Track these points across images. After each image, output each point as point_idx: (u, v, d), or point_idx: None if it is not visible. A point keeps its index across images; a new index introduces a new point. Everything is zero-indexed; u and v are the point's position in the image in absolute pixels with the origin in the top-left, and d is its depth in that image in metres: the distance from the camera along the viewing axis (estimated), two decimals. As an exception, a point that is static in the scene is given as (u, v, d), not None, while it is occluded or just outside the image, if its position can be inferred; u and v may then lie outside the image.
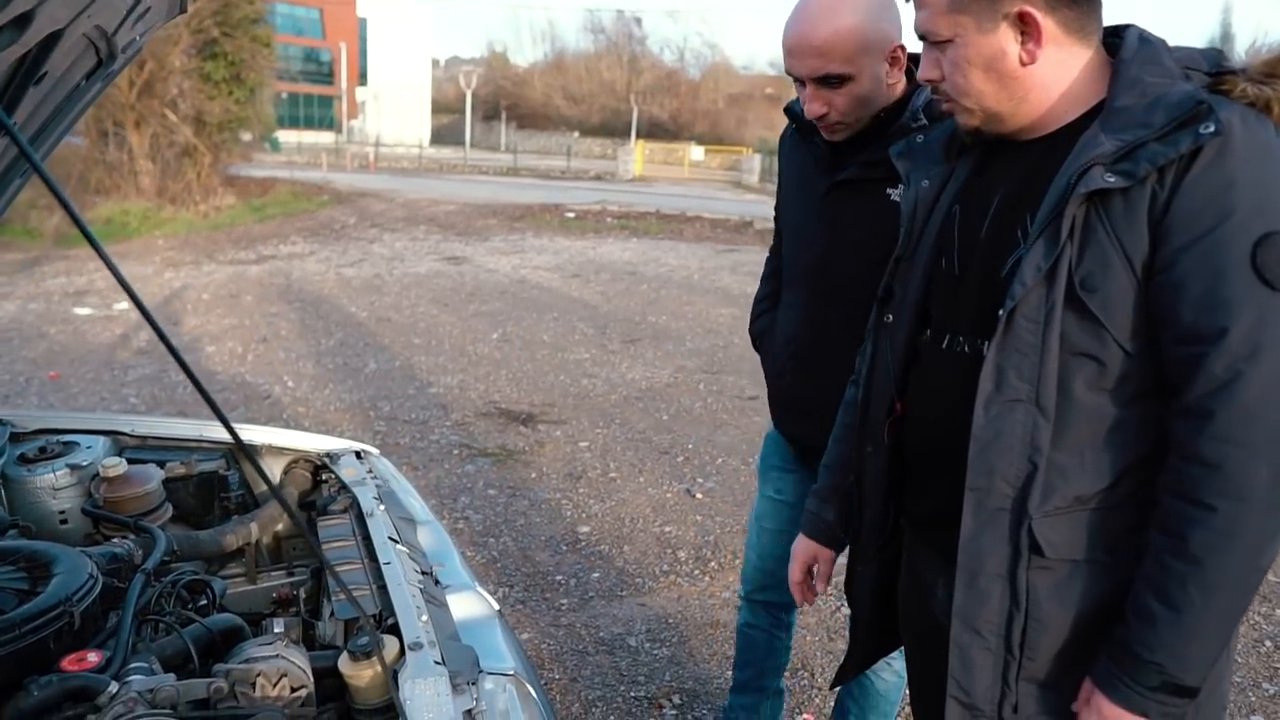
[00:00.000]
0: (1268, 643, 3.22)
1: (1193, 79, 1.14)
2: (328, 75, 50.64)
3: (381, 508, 2.04)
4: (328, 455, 2.30)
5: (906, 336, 1.41)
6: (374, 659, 1.40)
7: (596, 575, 3.58)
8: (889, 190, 1.77)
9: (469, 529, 3.93)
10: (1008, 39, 1.20)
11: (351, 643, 1.44)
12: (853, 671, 1.72)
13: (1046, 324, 1.15)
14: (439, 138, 54.00)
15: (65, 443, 2.13)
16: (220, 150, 18.14)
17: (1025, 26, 1.19)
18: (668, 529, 4.01)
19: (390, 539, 1.88)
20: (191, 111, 17.02)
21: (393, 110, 50.74)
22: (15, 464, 2.02)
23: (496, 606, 1.86)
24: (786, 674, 2.72)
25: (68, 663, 1.36)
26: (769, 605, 2.28)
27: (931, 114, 1.78)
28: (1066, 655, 1.23)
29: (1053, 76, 1.22)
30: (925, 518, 1.44)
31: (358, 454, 2.34)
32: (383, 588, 1.70)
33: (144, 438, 2.30)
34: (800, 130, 1.97)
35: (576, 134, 50.52)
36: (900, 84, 1.82)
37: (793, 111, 1.96)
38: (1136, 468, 1.17)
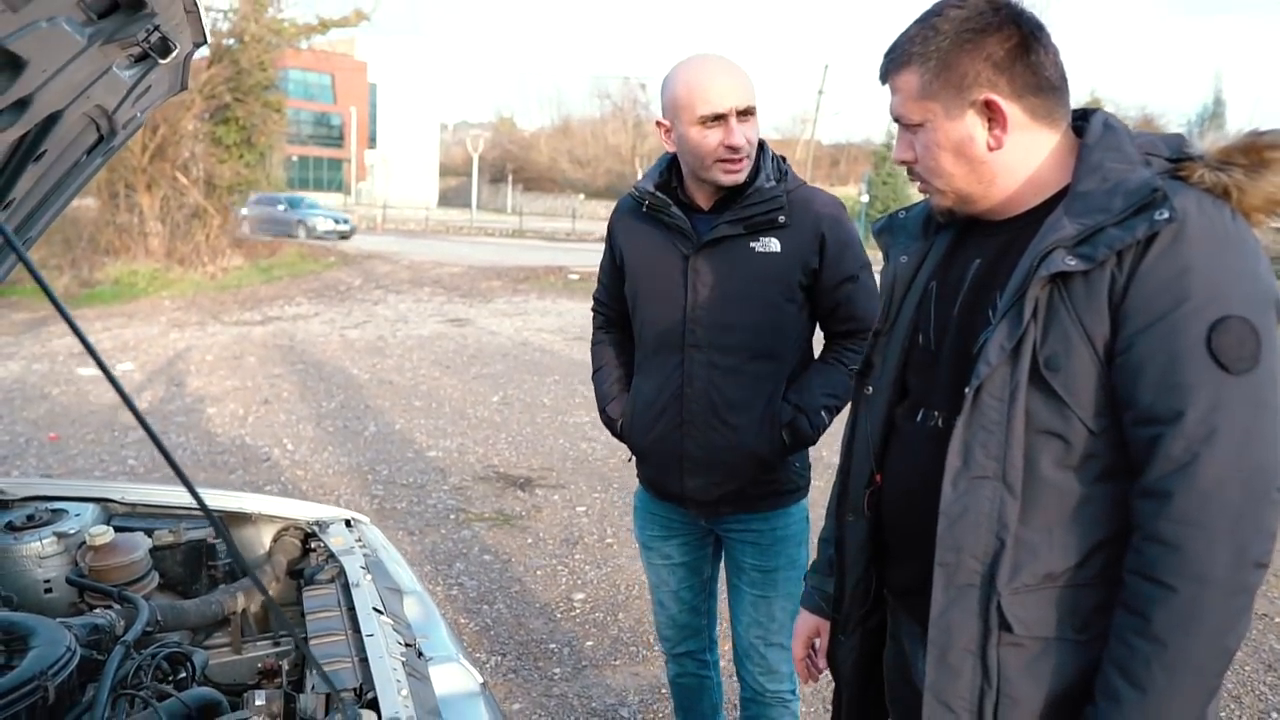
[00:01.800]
0: (1274, 714, 3.16)
1: (1153, 165, 1.17)
2: (338, 138, 51.57)
3: (368, 577, 2.04)
4: (317, 523, 2.30)
5: (885, 409, 1.43)
6: (351, 735, 1.38)
7: (590, 643, 3.54)
8: (752, 244, 2.00)
9: (463, 595, 3.90)
10: (975, 125, 1.24)
11: (330, 716, 1.43)
12: None
13: (1011, 402, 1.17)
14: (446, 200, 54.73)
15: (54, 510, 2.13)
16: (230, 212, 18.40)
17: (991, 114, 1.23)
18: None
19: (375, 610, 1.87)
20: (202, 174, 17.31)
21: (401, 173, 51.53)
22: (2, 532, 2.02)
23: (481, 680, 1.84)
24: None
25: (41, 739, 1.35)
26: (691, 653, 2.37)
27: (777, 175, 2.01)
28: None
29: (1021, 160, 1.25)
30: (905, 588, 1.44)
31: (347, 522, 2.34)
32: (365, 660, 1.69)
33: (134, 505, 2.30)
34: (650, 208, 2.09)
35: (582, 196, 51.16)
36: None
37: (643, 190, 2.09)
38: (1105, 546, 1.17)
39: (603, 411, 2.29)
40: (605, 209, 47.30)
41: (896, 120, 1.32)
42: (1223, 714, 3.18)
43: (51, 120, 1.60)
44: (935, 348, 1.36)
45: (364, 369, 8.88)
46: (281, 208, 25.80)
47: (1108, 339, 1.12)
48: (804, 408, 2.04)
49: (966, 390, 1.20)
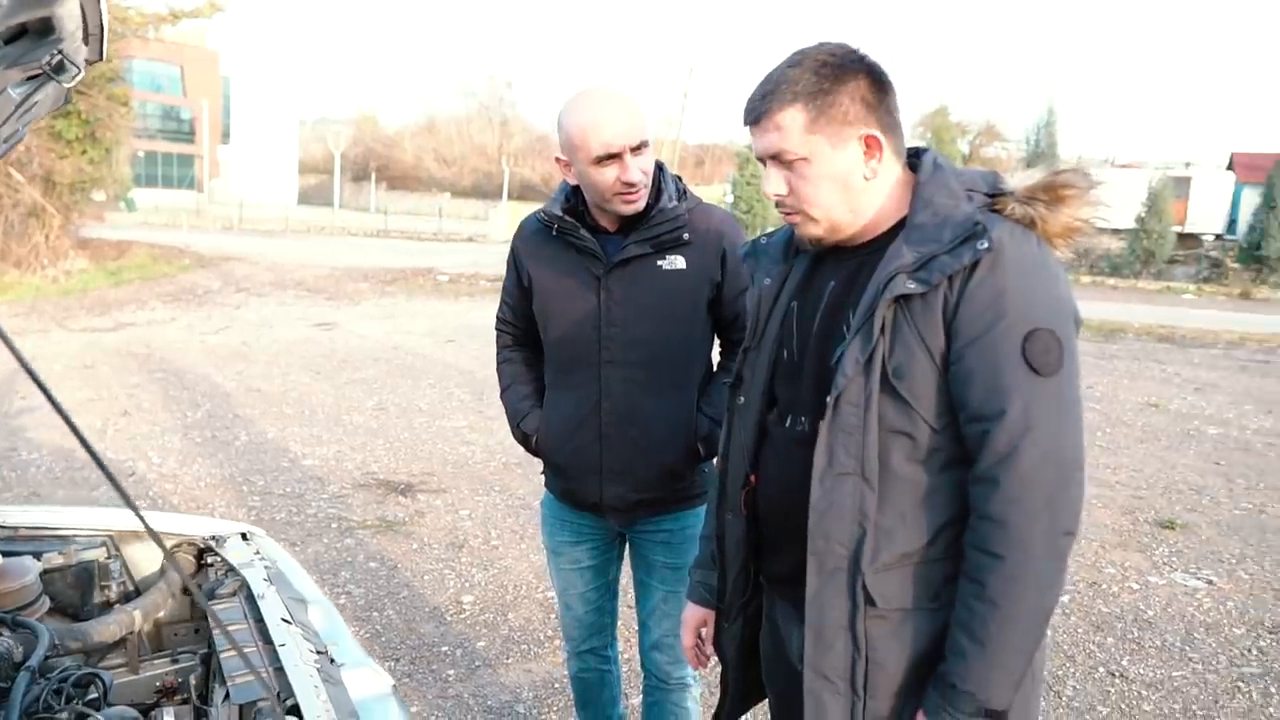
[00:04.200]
0: (1102, 669, 3.54)
1: (974, 199, 1.37)
2: (188, 133, 49.05)
3: (272, 589, 2.06)
4: (213, 538, 2.30)
5: (757, 417, 1.59)
6: (276, 741, 1.44)
7: (482, 644, 3.61)
8: (660, 263, 2.12)
9: (351, 604, 3.90)
10: (856, 158, 1.40)
11: (254, 726, 1.48)
12: (725, 719, 1.85)
13: (866, 407, 1.34)
14: (306, 198, 52.84)
15: (-69, 538, 2.07)
16: (72, 211, 17.32)
17: (869, 147, 1.40)
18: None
19: (283, 620, 1.91)
20: (40, 171, 16.22)
21: (257, 170, 49.43)
22: (-124, 563, 1.95)
23: (391, 681, 1.91)
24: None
25: (-44, 767, 1.35)
26: (594, 650, 2.49)
27: (678, 196, 2.15)
28: (904, 692, 1.39)
29: (880, 191, 1.44)
30: (780, 577, 1.61)
31: (244, 535, 2.35)
32: (279, 669, 1.73)
33: (15, 528, 2.24)
34: (558, 230, 2.17)
35: (448, 195, 50.38)
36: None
37: (552, 215, 2.18)
38: (950, 526, 1.36)
39: (516, 428, 2.33)
40: (472, 208, 46.76)
41: (773, 157, 1.43)
42: (1059, 671, 3.54)
43: (-58, 140, 1.59)
44: (799, 361, 1.51)
45: (229, 376, 8.59)
46: None
47: (943, 350, 1.31)
48: (718, 419, 2.15)
49: (828, 399, 1.36)
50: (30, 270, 15.23)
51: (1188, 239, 30.60)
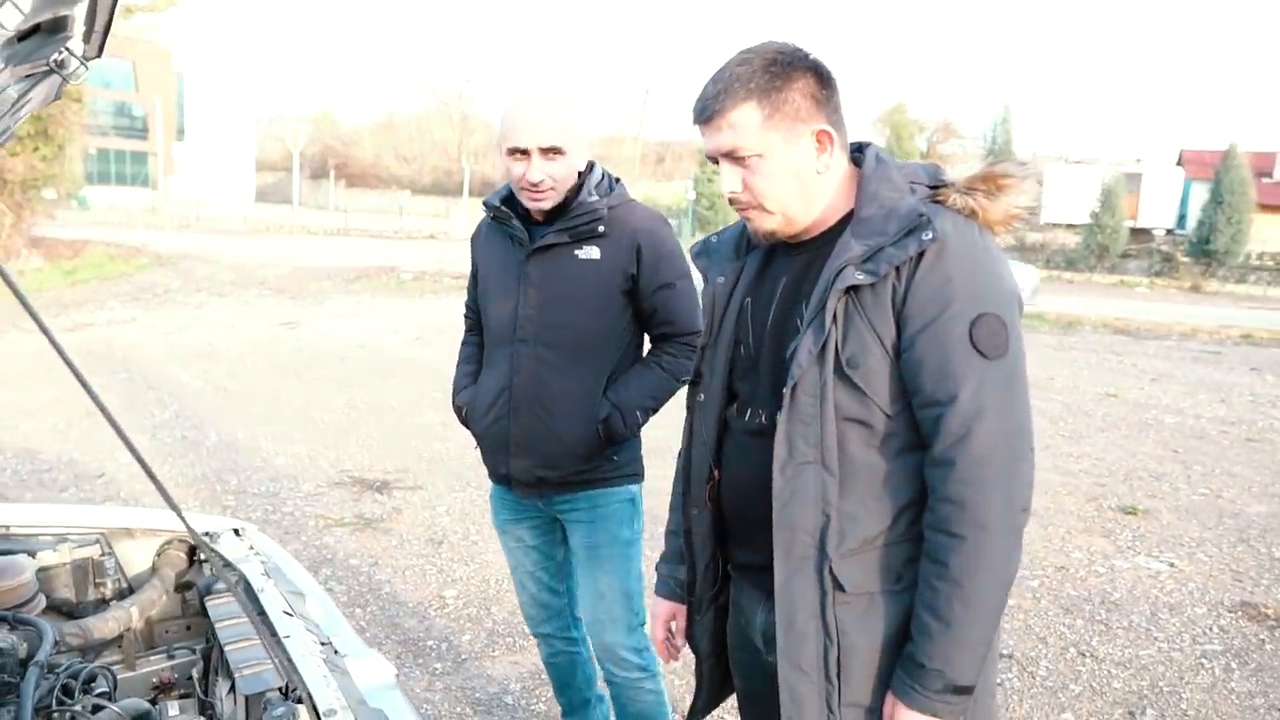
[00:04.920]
0: (1073, 650, 3.65)
1: (917, 192, 1.41)
2: (141, 130, 48.11)
3: (270, 582, 2.07)
4: (206, 534, 2.30)
5: (717, 412, 1.61)
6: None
7: (467, 638, 3.63)
8: (576, 252, 2.23)
9: (334, 600, 3.89)
10: (810, 152, 1.43)
11: (267, 715, 1.50)
12: (702, 709, 1.87)
13: (822, 397, 1.37)
14: (264, 196, 52.12)
15: (-76, 537, 2.05)
16: (24, 209, 16.95)
17: (822, 142, 1.43)
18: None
19: (285, 613, 1.93)
20: (-10, 169, 15.86)
21: (214, 168, 48.66)
22: None
23: (394, 671, 1.94)
24: None
25: (-26, 761, 1.36)
26: (556, 633, 2.57)
27: (601, 191, 2.26)
28: (876, 676, 1.42)
29: (831, 185, 1.47)
30: (747, 565, 1.64)
31: (235, 531, 2.35)
32: (287, 661, 1.75)
33: (7, 527, 2.23)
34: (496, 219, 2.34)
35: (408, 193, 49.96)
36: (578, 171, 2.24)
37: (490, 204, 2.35)
38: (909, 508, 1.40)
39: (453, 401, 2.52)
40: (433, 205, 46.41)
41: (727, 155, 1.44)
42: (1031, 652, 3.65)
43: (-59, 139, 1.58)
44: (755, 355, 1.54)
45: (195, 376, 8.49)
46: None
47: (894, 338, 1.35)
48: (620, 405, 2.25)
49: (785, 390, 1.39)
50: (-18, 270, 14.87)
51: (1140, 234, 31.34)
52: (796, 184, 1.44)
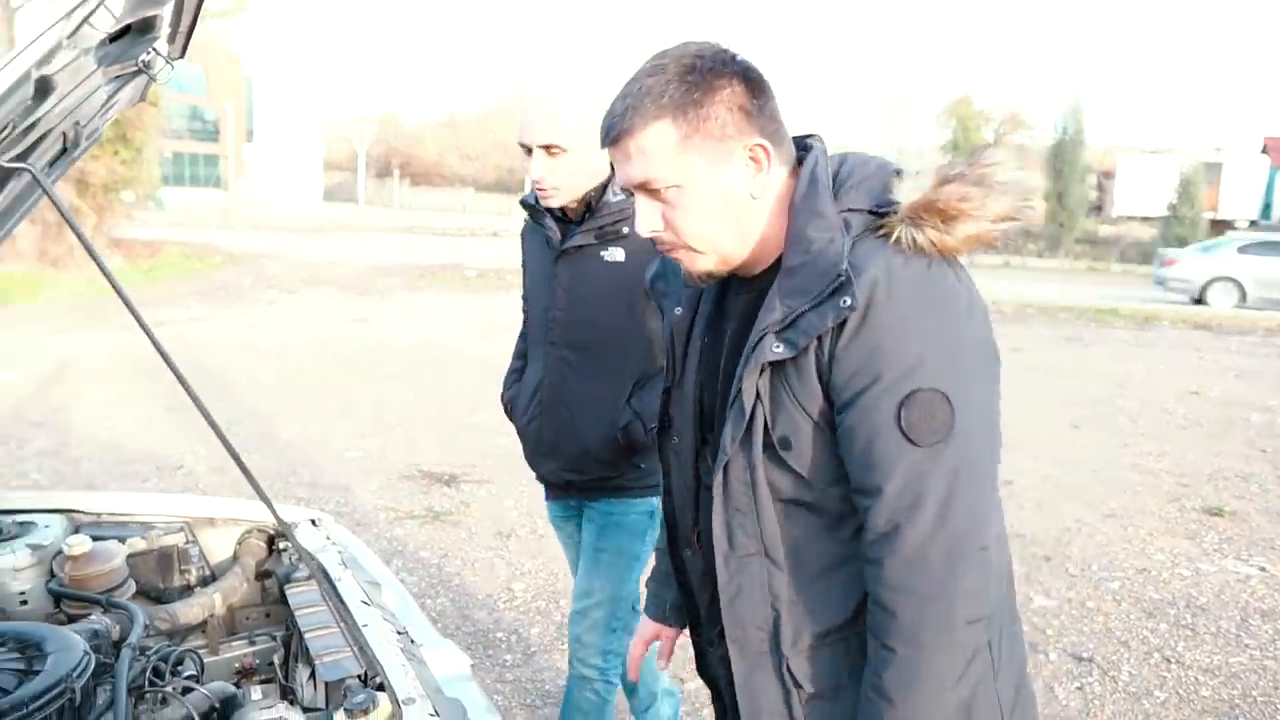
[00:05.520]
0: (1156, 655, 3.52)
1: (853, 224, 1.16)
2: (213, 133, 49.52)
3: (348, 572, 2.10)
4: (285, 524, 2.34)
5: (691, 458, 1.43)
6: (370, 716, 1.48)
7: (536, 630, 3.65)
8: (602, 254, 2.20)
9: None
10: (739, 174, 1.20)
11: (348, 701, 1.52)
12: None
13: (754, 485, 1.21)
14: (330, 195, 53.24)
15: (21, 523, 2.13)
16: (105, 211, 17.56)
17: (754, 161, 1.20)
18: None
19: (363, 602, 1.95)
20: (74, 172, 16.46)
21: (282, 169, 49.87)
22: (-29, 547, 2.01)
23: (470, 661, 1.95)
24: None
25: (75, 738, 1.40)
26: None
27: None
28: None
29: (768, 208, 1.24)
30: None
31: (312, 521, 2.40)
32: (363, 649, 1.77)
33: (98, 514, 2.30)
34: (534, 217, 2.33)
35: (471, 190, 50.56)
36: (605, 169, 2.18)
37: (526, 203, 2.33)
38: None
39: (501, 396, 2.54)
40: (496, 203, 46.88)
41: (640, 187, 1.23)
42: (1113, 656, 3.54)
43: (40, 139, 1.63)
44: (716, 405, 1.35)
45: (268, 372, 8.69)
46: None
47: (826, 414, 1.16)
48: (643, 414, 2.20)
49: (714, 476, 1.24)
50: (68, 270, 15.44)
51: (1220, 225, 30.22)
52: (727, 215, 1.22)
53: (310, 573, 2.14)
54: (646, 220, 1.25)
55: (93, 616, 1.85)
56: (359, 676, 1.70)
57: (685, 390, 1.42)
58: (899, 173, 1.22)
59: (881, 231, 1.14)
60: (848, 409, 1.13)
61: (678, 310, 1.42)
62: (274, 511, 1.13)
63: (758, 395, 1.19)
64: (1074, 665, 3.48)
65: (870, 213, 1.17)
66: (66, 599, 1.96)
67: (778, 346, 1.15)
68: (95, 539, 2.08)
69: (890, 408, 1.10)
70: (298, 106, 52.05)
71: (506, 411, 2.50)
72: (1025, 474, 5.88)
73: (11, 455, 5.99)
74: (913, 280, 1.11)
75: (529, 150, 2.12)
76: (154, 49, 1.58)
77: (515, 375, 2.51)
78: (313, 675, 1.79)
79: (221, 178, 47.85)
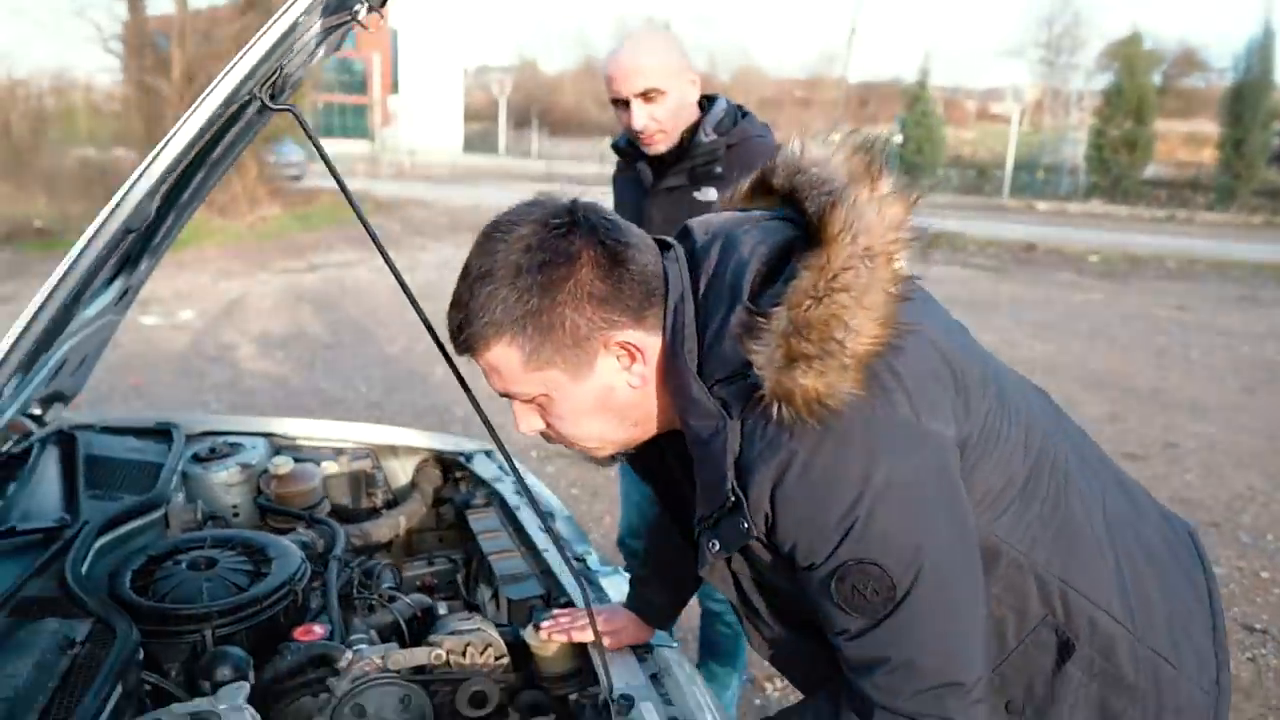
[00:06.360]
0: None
1: (731, 402, 1.01)
2: (360, 85, 51.30)
3: (523, 500, 2.21)
4: (461, 455, 2.47)
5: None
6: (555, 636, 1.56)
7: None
8: (695, 194, 2.24)
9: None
10: (610, 372, 1.08)
11: (536, 618, 1.61)
12: None
13: (742, 589, 1.16)
14: (471, 145, 54.44)
15: (231, 444, 2.32)
16: (265, 162, 18.53)
17: (624, 353, 1.07)
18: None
19: (540, 529, 2.05)
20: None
21: (425, 119, 51.27)
22: (190, 462, 2.21)
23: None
24: None
25: (299, 634, 1.55)
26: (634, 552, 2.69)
27: (721, 129, 2.23)
28: None
29: (656, 385, 1.11)
30: None
31: (486, 453, 2.51)
32: (545, 572, 1.87)
33: (294, 439, 2.49)
34: (625, 159, 2.40)
35: (609, 138, 50.65)
36: (695, 109, 2.25)
37: (618, 147, 2.41)
38: None
39: None
40: (631, 152, 46.78)
41: (505, 395, 1.13)
42: None
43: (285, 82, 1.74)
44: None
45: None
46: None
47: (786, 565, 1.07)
48: None
49: (700, 570, 1.16)
50: (232, 217, 16.42)
51: None
52: (608, 414, 1.11)
53: (486, 500, 2.27)
54: (525, 422, 1.15)
55: (299, 530, 2.02)
56: (542, 597, 1.80)
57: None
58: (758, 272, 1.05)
59: (762, 405, 0.97)
60: (795, 572, 1.05)
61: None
62: (499, 442, 1.21)
63: (728, 561, 1.12)
64: (1245, 635, 3.32)
65: (739, 375, 1.00)
66: (273, 514, 2.14)
67: (714, 545, 1.07)
68: (297, 460, 2.25)
69: (823, 587, 1.00)
70: (440, 57, 53.24)
71: None
72: (1192, 438, 5.58)
73: (193, 387, 6.49)
74: (807, 468, 0.96)
75: (624, 104, 2.18)
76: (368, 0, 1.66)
77: None
78: (495, 595, 1.90)
79: (368, 128, 49.63)
